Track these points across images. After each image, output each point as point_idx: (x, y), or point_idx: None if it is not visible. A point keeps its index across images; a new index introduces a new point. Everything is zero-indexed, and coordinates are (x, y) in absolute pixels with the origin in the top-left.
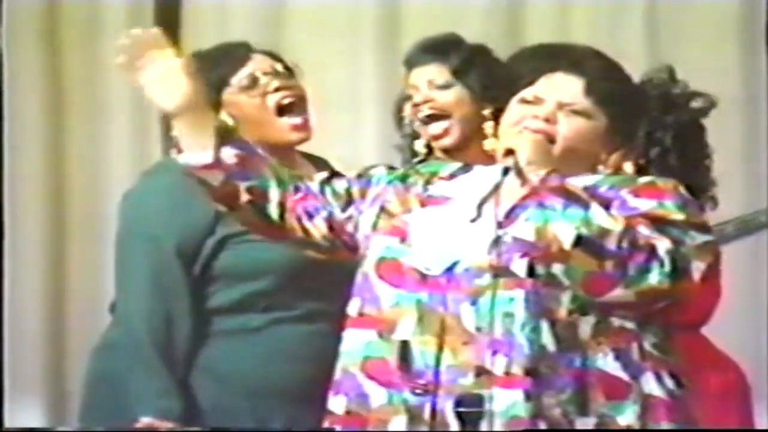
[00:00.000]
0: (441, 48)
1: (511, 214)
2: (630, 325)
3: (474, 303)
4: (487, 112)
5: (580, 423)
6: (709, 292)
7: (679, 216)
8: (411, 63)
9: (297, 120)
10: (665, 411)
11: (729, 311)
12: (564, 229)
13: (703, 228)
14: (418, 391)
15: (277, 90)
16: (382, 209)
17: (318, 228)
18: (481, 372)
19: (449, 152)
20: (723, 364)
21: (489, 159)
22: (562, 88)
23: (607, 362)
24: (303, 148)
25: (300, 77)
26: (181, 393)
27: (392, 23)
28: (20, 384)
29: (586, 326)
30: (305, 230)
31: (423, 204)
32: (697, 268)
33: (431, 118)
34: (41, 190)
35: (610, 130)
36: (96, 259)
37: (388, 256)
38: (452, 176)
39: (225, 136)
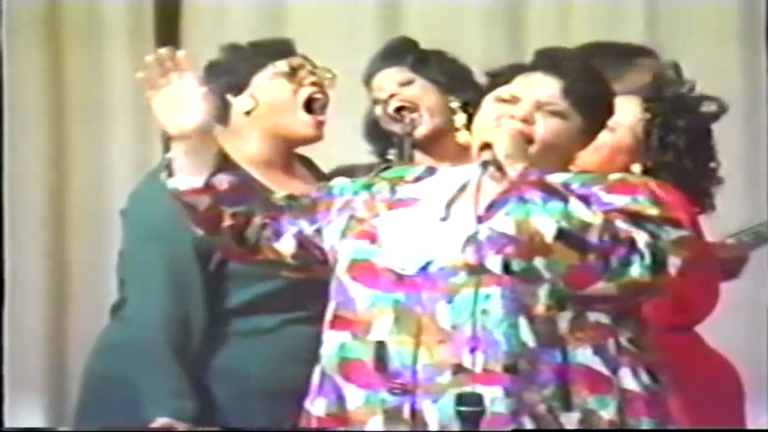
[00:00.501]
0: (395, 51)
1: (490, 209)
2: (606, 320)
3: (450, 301)
4: (455, 104)
5: (565, 418)
6: (707, 292)
7: (653, 211)
8: (370, 74)
9: (319, 118)
10: (643, 406)
11: (729, 311)
12: (545, 222)
13: (678, 223)
14: (396, 390)
15: (312, 84)
16: (351, 217)
17: (287, 247)
18: (458, 370)
19: (424, 146)
20: (717, 363)
21: (464, 151)
22: (540, 88)
23: (586, 357)
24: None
25: (333, 85)
26: (196, 394)
27: (392, 24)
28: (20, 384)
29: (563, 321)
30: (275, 251)
31: (391, 207)
32: (673, 263)
33: (400, 112)
34: (42, 191)
35: (583, 131)
36: (97, 260)
37: (359, 257)
38: (418, 179)
39: (222, 162)
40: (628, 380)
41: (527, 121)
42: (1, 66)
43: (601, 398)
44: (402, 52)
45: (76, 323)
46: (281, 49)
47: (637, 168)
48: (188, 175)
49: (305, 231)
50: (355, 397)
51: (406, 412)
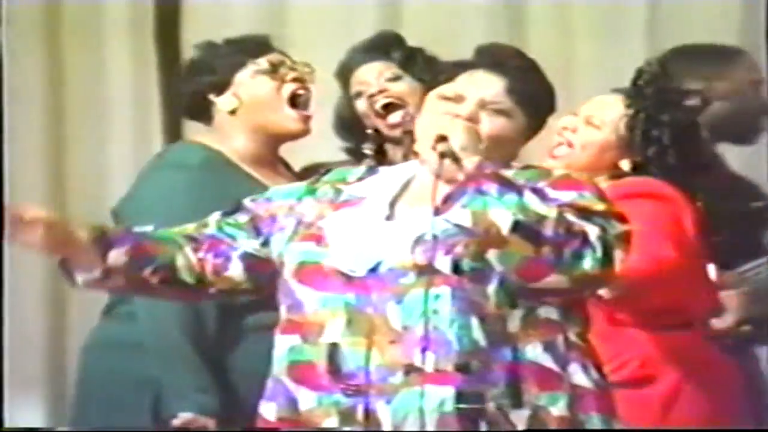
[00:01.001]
0: (381, 46)
1: (447, 201)
2: (555, 316)
3: (400, 302)
4: None
5: (515, 415)
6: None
7: (600, 206)
8: (351, 65)
9: (303, 113)
10: (594, 401)
11: None
12: (501, 214)
13: (622, 218)
14: (349, 392)
15: (294, 80)
16: (299, 223)
17: (236, 272)
18: (410, 370)
19: (406, 144)
20: (719, 362)
21: None
22: (483, 86)
23: (537, 354)
24: (302, 144)
25: (312, 80)
26: (217, 389)
27: (392, 23)
28: (21, 384)
29: (514, 319)
30: (227, 280)
31: (336, 209)
32: (618, 256)
33: (388, 109)
34: (42, 191)
35: (526, 128)
36: None
37: (307, 260)
38: (360, 179)
39: (102, 240)
40: (578, 376)
41: (472, 119)
42: (0, 64)
43: (551, 395)
44: (389, 46)
45: (76, 323)
46: (259, 45)
47: (626, 164)
48: (85, 273)
49: (249, 249)
50: (307, 399)
51: (360, 412)
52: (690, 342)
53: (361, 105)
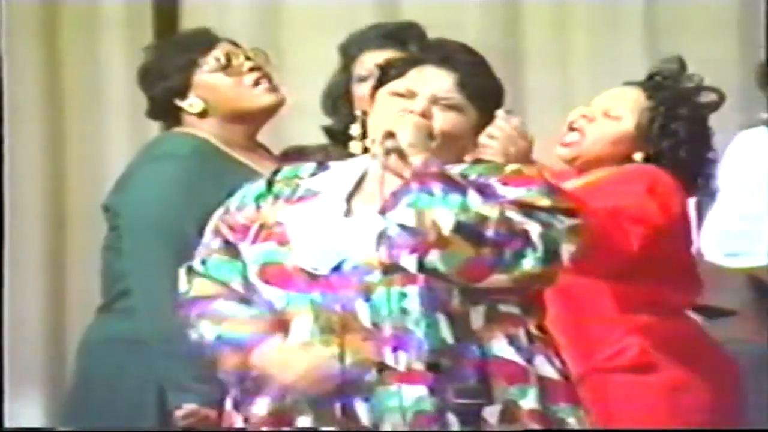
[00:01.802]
0: (398, 34)
1: (392, 198)
2: (515, 310)
3: (367, 299)
4: None
5: (487, 411)
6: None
7: (546, 202)
8: (362, 46)
9: (267, 85)
10: (562, 392)
11: None
12: (444, 214)
13: (571, 212)
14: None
15: (252, 70)
16: (260, 225)
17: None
18: (382, 368)
19: None
20: (717, 355)
21: None
22: (434, 82)
23: (502, 348)
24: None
25: (268, 63)
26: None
27: (390, 17)
28: (20, 384)
29: (477, 315)
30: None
31: (293, 204)
32: (567, 250)
33: None
34: (40, 189)
35: (477, 123)
36: (95, 255)
37: (270, 260)
38: (313, 174)
39: None
40: (544, 367)
41: (425, 115)
42: (0, 62)
43: (520, 388)
44: (405, 37)
45: (74, 318)
46: (202, 40)
47: (639, 156)
48: None
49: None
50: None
51: (338, 410)
52: (691, 328)
53: (361, 89)
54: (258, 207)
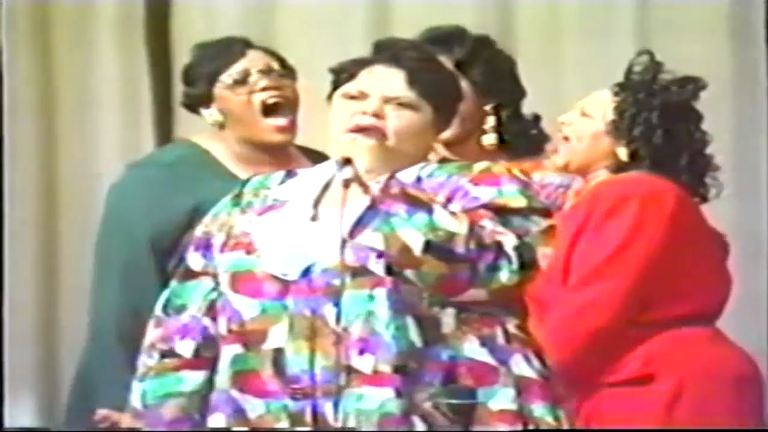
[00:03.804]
0: (445, 39)
1: (357, 225)
2: (492, 310)
3: (336, 304)
4: (488, 107)
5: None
6: (720, 282)
7: (519, 203)
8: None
9: (281, 121)
10: (538, 391)
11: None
12: (412, 236)
13: (545, 212)
14: (297, 395)
15: (264, 89)
16: (228, 236)
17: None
18: (350, 371)
19: (446, 145)
20: (737, 358)
21: (485, 153)
22: (384, 81)
23: (473, 349)
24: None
25: (295, 78)
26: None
27: (383, 17)
28: (20, 384)
29: (449, 318)
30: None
31: (261, 214)
32: (543, 253)
33: None
34: (33, 189)
35: (435, 119)
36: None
37: (239, 268)
38: (282, 183)
39: None
40: (522, 366)
41: (378, 116)
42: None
43: (487, 390)
44: (452, 41)
45: (69, 319)
46: (231, 51)
47: (623, 152)
48: None
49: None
50: (255, 407)
51: (308, 415)
52: (693, 339)
53: None
54: (228, 215)
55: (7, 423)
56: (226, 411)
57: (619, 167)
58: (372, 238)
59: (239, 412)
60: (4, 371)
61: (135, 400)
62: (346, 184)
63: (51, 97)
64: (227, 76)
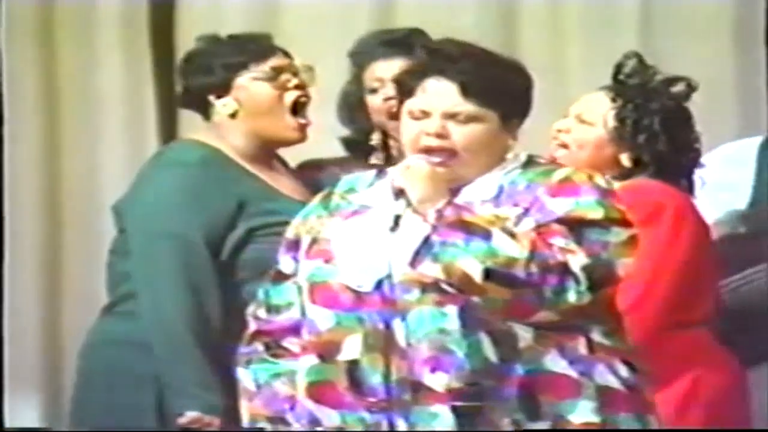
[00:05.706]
0: (405, 42)
1: (417, 256)
2: (575, 321)
3: (404, 318)
4: None
5: (533, 428)
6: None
7: (597, 214)
8: (369, 56)
9: (303, 121)
10: (623, 401)
11: None
12: (470, 264)
13: (625, 222)
14: (374, 408)
15: (296, 87)
16: (314, 240)
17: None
18: (419, 388)
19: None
20: (722, 362)
21: None
22: (439, 97)
23: (554, 362)
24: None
25: (313, 81)
26: (222, 388)
27: (386, 16)
28: (20, 384)
29: (526, 333)
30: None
31: (346, 219)
32: (623, 264)
33: None
34: (36, 189)
35: (504, 122)
36: (92, 256)
37: (317, 278)
38: (371, 185)
39: None
40: (606, 377)
41: (441, 135)
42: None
43: (570, 402)
44: (413, 45)
45: (70, 319)
46: (262, 47)
47: (626, 159)
48: None
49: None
50: (330, 418)
51: (385, 428)
52: (702, 342)
53: (374, 101)
54: (318, 218)
55: (8, 423)
56: (301, 421)
57: (623, 174)
58: (431, 268)
59: (314, 423)
60: (4, 371)
61: (247, 383)
62: (396, 221)
63: (54, 97)
64: (260, 68)
